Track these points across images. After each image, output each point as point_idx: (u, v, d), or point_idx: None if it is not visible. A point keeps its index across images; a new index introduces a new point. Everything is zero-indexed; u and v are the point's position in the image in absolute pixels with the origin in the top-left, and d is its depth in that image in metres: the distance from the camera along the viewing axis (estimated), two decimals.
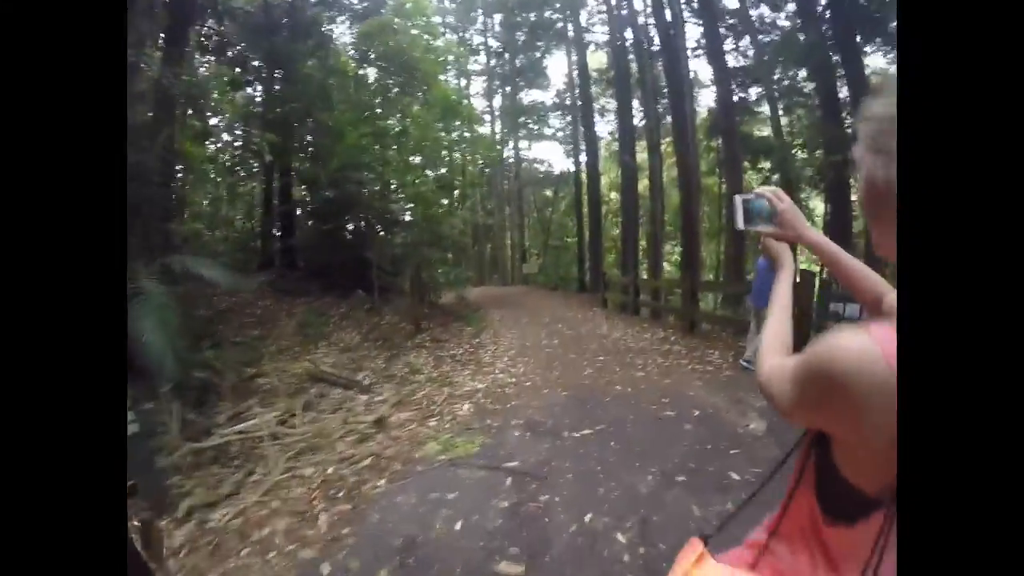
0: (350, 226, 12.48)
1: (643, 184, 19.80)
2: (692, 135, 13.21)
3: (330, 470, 3.62)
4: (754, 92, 13.99)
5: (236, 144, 13.18)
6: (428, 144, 13.28)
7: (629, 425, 4.09)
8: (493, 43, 24.68)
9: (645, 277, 14.23)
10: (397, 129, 12.87)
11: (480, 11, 23.72)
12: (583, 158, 21.59)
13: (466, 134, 15.97)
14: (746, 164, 13.01)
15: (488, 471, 3.38)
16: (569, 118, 23.64)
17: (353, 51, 13.24)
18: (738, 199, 1.00)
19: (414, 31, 13.29)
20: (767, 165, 13.32)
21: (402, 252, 11.96)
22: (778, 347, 0.82)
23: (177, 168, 9.33)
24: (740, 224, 1.01)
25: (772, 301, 0.90)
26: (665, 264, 19.24)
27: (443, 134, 14.27)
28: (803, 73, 12.88)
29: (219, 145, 13.05)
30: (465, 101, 19.62)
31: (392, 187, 12.68)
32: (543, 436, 3.98)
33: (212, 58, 11.48)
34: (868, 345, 0.57)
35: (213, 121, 11.71)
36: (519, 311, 12.80)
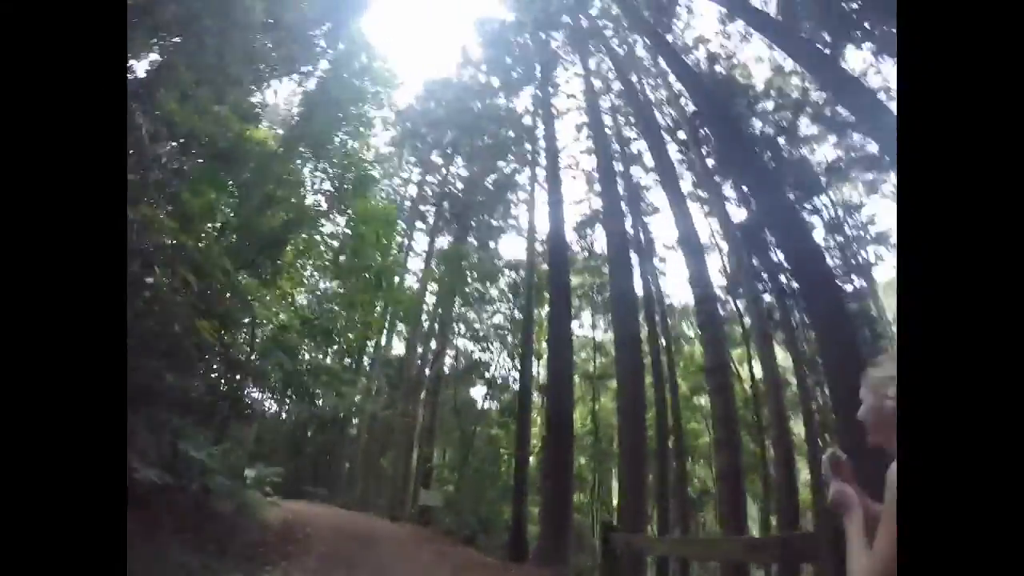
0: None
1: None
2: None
3: None
4: None
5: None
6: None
7: None
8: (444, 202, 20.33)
9: None
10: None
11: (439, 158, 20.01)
12: (542, 346, 15.25)
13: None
14: None
15: None
16: (517, 302, 17.90)
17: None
18: (826, 458, 1.21)
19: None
20: None
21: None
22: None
23: None
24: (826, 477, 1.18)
25: (848, 541, 1.04)
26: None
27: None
28: None
29: None
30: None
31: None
32: None
33: None
34: None
35: None
36: None
